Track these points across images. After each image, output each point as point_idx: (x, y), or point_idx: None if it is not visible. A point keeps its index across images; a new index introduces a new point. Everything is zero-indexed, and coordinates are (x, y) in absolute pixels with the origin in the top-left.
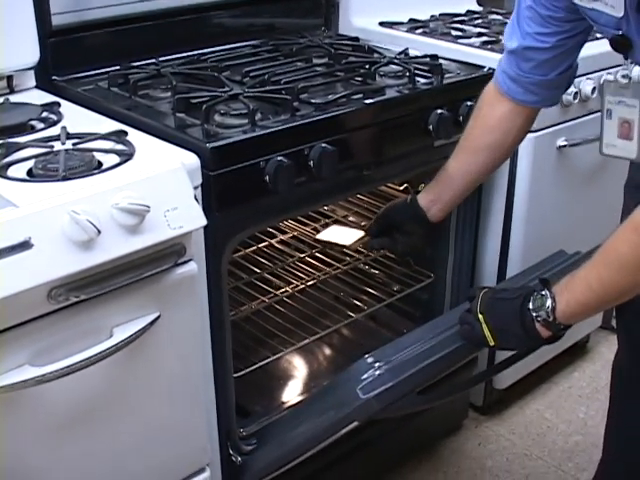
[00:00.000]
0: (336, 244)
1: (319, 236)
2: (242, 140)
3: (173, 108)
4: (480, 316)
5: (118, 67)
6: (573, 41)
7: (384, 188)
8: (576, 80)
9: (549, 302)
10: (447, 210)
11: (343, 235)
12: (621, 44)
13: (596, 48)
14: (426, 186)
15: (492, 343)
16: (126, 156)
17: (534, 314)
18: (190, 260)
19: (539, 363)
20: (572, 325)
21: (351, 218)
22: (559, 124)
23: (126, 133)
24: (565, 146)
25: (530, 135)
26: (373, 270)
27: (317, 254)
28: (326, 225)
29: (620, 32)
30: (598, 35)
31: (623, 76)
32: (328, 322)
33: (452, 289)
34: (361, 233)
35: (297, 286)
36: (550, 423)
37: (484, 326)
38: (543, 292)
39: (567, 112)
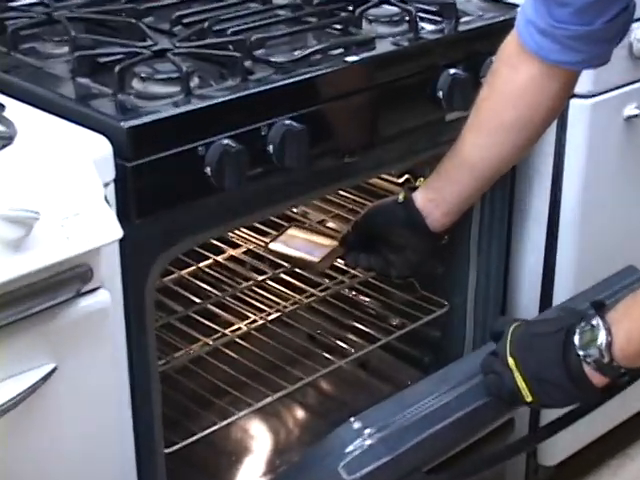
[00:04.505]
0: (297, 259)
1: (272, 245)
2: (172, 117)
3: (72, 70)
4: (510, 361)
5: None
6: None
7: (376, 181)
8: None
9: (602, 335)
10: (454, 214)
11: (308, 245)
12: None
13: None
14: (425, 180)
15: (529, 399)
16: (4, 140)
17: (581, 353)
18: (99, 288)
19: (606, 429)
20: None
21: (330, 224)
22: (627, 85)
23: (3, 107)
24: (637, 116)
25: (585, 102)
26: (362, 297)
27: (282, 275)
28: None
29: None
30: None
31: None
32: (299, 372)
33: (475, 323)
34: (334, 244)
35: (255, 321)
36: None
37: (516, 375)
38: (594, 321)
39: (639, 68)
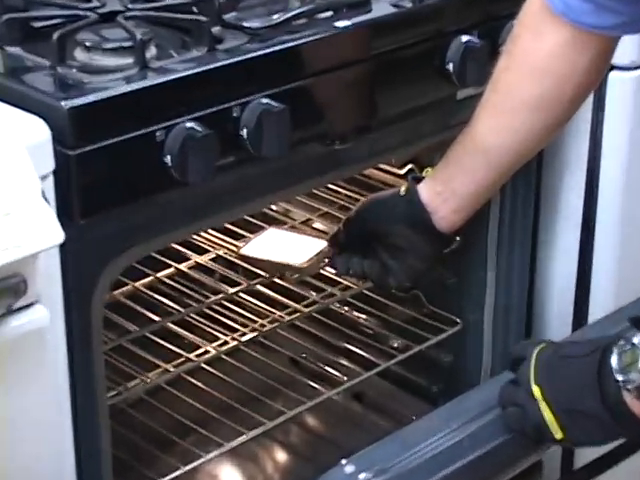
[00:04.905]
0: (276, 265)
1: (246, 250)
2: (124, 94)
3: (0, 37)
4: (535, 390)
5: None
6: None
7: (373, 172)
8: None
9: None
10: (467, 211)
11: (290, 249)
12: None
13: None
14: (433, 170)
15: (558, 435)
16: None
17: (620, 378)
18: (35, 303)
19: None
20: None
21: (317, 224)
22: None
23: None
24: None
25: (627, 75)
26: (357, 314)
27: (259, 287)
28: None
29: None
30: None
31: None
32: (280, 405)
33: (493, 345)
34: (322, 244)
35: (226, 343)
36: None
37: (543, 407)
38: (635, 340)
39: None
